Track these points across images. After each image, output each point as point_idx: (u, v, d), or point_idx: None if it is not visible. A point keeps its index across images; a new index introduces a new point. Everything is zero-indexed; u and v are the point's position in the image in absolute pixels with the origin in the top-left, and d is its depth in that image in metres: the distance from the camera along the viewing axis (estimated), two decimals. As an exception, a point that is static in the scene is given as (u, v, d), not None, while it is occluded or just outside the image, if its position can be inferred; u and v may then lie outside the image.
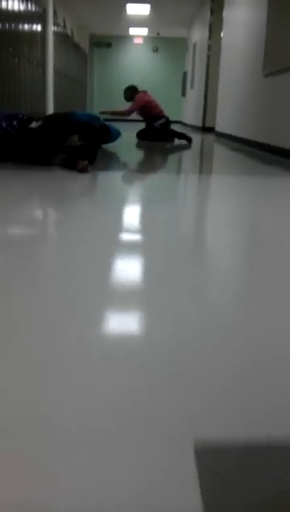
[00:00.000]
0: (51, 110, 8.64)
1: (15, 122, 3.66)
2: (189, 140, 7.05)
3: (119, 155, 4.72)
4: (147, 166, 4.08)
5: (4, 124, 3.61)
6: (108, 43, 17.13)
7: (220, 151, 5.83)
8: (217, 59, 9.60)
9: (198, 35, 11.97)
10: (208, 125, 10.41)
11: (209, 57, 10.30)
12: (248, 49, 6.24)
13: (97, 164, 3.63)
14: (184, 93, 14.89)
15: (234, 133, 7.05)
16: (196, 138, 9.25)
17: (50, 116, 3.83)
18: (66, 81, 10.78)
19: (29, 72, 7.26)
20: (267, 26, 5.19)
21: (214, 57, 9.95)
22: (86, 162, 3.21)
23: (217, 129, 8.60)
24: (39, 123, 3.64)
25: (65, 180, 2.89)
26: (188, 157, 5.01)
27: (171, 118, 16.41)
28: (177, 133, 7.29)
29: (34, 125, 3.64)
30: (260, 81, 5.47)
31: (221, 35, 8.75)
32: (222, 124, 8.20)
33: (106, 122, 5.40)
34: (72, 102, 12.37)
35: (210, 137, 8.66)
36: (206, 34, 10.41)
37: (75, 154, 3.47)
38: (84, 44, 14.91)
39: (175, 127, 15.26)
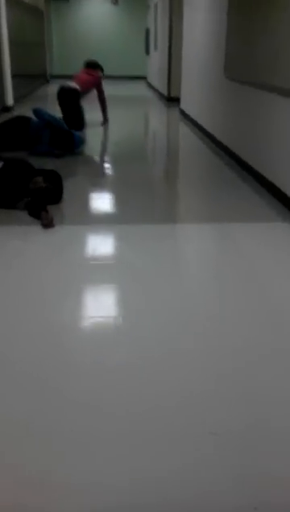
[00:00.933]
0: (9, 87, 8.34)
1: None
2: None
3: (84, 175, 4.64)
4: (121, 205, 3.99)
5: None
6: (65, -5, 16.32)
7: (189, 153, 5.82)
8: (179, 25, 9.25)
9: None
10: (173, 94, 10.21)
11: (171, 21, 9.97)
12: (210, 43, 6.11)
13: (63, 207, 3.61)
14: (147, 51, 14.44)
15: (198, 120, 6.98)
16: (161, 115, 9.13)
17: (13, 159, 3.75)
18: (24, 50, 10.36)
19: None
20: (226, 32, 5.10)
21: (177, 22, 9.63)
22: (51, 216, 3.22)
23: (182, 106, 8.46)
24: (1, 163, 3.60)
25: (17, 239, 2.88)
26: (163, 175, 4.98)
27: (136, 75, 16.19)
28: None
29: (-3, 164, 3.60)
30: (222, 82, 5.41)
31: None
32: (186, 104, 8.08)
33: (71, 130, 5.34)
34: (33, 68, 11.94)
35: (174, 114, 8.54)
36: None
37: (40, 197, 3.47)
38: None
39: (140, 84, 15.03)
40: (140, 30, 15.87)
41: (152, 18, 13.04)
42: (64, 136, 5.20)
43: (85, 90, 6.75)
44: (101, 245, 3.05)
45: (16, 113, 8.22)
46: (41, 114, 5.26)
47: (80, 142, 5.36)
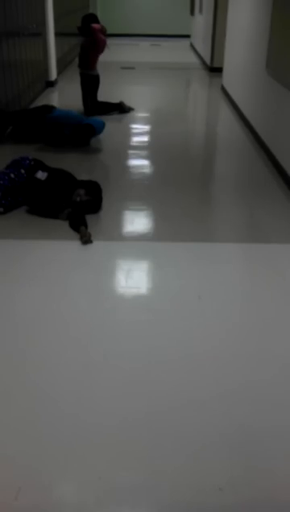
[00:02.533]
0: (53, 62, 8.42)
1: (23, 171, 3.86)
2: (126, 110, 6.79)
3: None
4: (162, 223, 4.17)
5: (12, 175, 3.82)
6: None
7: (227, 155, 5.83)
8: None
9: None
10: (216, 64, 10.06)
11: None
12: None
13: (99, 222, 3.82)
14: (192, 12, 14.07)
15: (240, 106, 6.95)
16: (203, 92, 9.05)
17: (57, 170, 3.96)
18: (69, 18, 10.32)
19: None
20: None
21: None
22: (89, 233, 3.44)
23: (224, 84, 8.37)
24: (45, 175, 3.82)
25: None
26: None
27: (180, 33, 15.82)
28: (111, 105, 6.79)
29: (40, 175, 3.84)
30: (265, 78, 5.40)
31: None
32: (228, 83, 8.00)
33: (89, 119, 5.50)
34: (75, 19, 11.85)
35: (216, 92, 8.48)
36: None
37: (80, 209, 3.71)
38: None
39: (182, 42, 14.71)
40: (186, -13, 15.41)
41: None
42: (83, 129, 5.35)
43: (87, 60, 6.46)
44: (135, 265, 3.26)
45: (58, 85, 8.40)
46: (53, 119, 5.40)
47: (101, 127, 5.48)
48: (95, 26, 6.30)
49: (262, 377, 2.29)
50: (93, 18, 6.49)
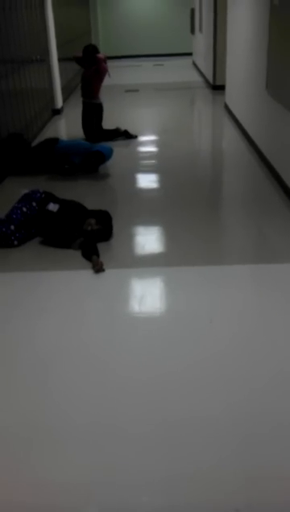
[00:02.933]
0: (58, 91, 8.62)
1: (34, 204, 3.99)
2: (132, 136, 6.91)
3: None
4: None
5: (24, 209, 3.94)
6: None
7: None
8: (224, 14, 9.11)
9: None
10: (218, 82, 10.21)
11: (216, 10, 9.87)
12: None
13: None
14: (192, 31, 14.30)
15: (243, 124, 7.06)
16: (206, 109, 9.19)
17: (68, 201, 4.09)
18: (71, 46, 10.54)
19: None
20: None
21: (221, 12, 9.52)
22: (101, 262, 3.54)
23: (227, 101, 8.51)
24: (56, 207, 3.94)
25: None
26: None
27: (181, 52, 16.06)
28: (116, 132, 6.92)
29: (51, 207, 3.96)
30: (265, 98, 5.50)
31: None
32: (231, 100, 8.13)
33: (97, 146, 5.63)
34: (77, 45, 12.09)
35: (219, 109, 8.61)
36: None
37: (92, 239, 3.81)
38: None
39: (185, 60, 14.92)
40: (186, 7, 15.67)
41: (197, 0, 12.89)
42: (93, 156, 5.50)
43: (91, 90, 6.62)
44: (147, 292, 3.35)
45: (64, 112, 8.58)
46: (62, 149, 5.54)
47: (109, 154, 5.62)
48: (100, 56, 6.49)
49: (275, 399, 2.36)
50: (96, 48, 6.68)
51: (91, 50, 6.60)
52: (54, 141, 5.72)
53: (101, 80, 6.64)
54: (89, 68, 6.57)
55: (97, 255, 3.63)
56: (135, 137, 6.97)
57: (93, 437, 2.19)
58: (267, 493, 1.93)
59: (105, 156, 5.53)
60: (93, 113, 6.71)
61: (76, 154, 5.50)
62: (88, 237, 3.84)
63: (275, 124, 5.16)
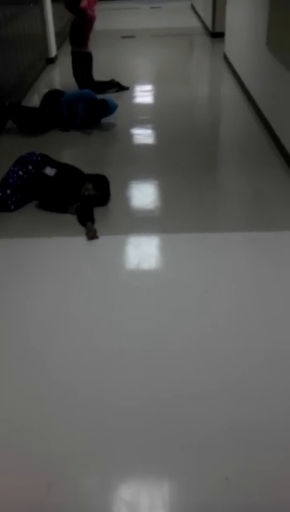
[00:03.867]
0: (52, 39, 8.33)
1: (30, 167, 3.95)
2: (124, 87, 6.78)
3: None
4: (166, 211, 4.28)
5: (21, 172, 3.91)
6: None
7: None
8: None
9: None
10: (218, 29, 9.87)
11: None
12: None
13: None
14: (191, -29, 13.67)
15: (242, 78, 6.89)
16: (204, 59, 8.93)
17: (65, 165, 4.04)
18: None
19: None
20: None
21: None
22: (94, 229, 3.56)
23: (226, 51, 8.26)
24: (53, 171, 3.91)
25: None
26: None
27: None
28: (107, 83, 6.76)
29: (48, 171, 3.92)
30: (264, 51, 5.36)
31: None
32: (230, 51, 7.90)
33: (104, 97, 5.53)
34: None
35: (218, 60, 8.37)
36: None
37: (88, 204, 3.81)
38: None
39: (183, 2, 14.35)
40: None
41: None
42: (98, 105, 5.43)
43: (79, 38, 6.39)
44: (142, 260, 3.38)
45: (58, 61, 8.33)
46: (67, 100, 5.43)
47: (114, 106, 5.57)
48: (82, 5, 6.18)
49: (268, 371, 2.44)
50: None
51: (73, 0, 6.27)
52: (58, 94, 5.58)
53: (88, 28, 6.36)
54: (76, 16, 6.31)
55: (92, 221, 3.64)
56: (127, 88, 6.81)
57: (85, 411, 2.27)
58: (260, 462, 2.04)
59: (109, 107, 5.45)
60: (81, 62, 6.50)
61: (81, 101, 5.41)
62: (84, 201, 3.83)
63: (274, 81, 5.05)
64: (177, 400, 2.31)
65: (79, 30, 6.32)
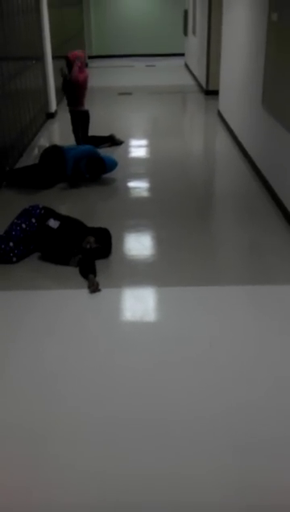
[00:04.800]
0: (52, 95, 8.60)
1: (34, 220, 4.00)
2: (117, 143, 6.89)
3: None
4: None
5: (24, 225, 3.96)
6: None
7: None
8: (219, 17, 9.13)
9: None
10: (211, 87, 10.24)
11: (210, 12, 9.86)
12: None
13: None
14: (185, 32, 14.30)
15: (237, 135, 7.11)
16: (199, 116, 9.22)
17: (68, 218, 4.10)
18: (65, 47, 10.51)
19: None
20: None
21: (216, 14, 9.52)
22: (97, 282, 3.58)
23: (221, 109, 8.54)
24: (57, 223, 3.96)
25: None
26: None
27: (174, 52, 16.07)
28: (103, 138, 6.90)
29: (52, 223, 3.97)
30: (260, 111, 5.55)
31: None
32: (225, 108, 8.17)
33: (103, 155, 5.66)
34: (72, 47, 12.03)
35: (212, 116, 8.65)
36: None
37: (90, 257, 3.84)
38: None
39: (177, 61, 14.96)
40: (179, 8, 15.68)
41: (191, 1, 12.89)
42: (97, 163, 5.56)
43: (74, 98, 6.49)
44: (145, 314, 3.38)
45: (58, 116, 8.56)
46: (73, 157, 5.54)
47: (113, 165, 5.69)
48: (73, 77, 6.29)
49: (275, 426, 2.41)
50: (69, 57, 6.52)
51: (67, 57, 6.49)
52: (58, 150, 5.67)
53: (82, 90, 6.53)
54: (70, 75, 6.48)
55: (94, 274, 3.66)
56: (121, 143, 6.96)
57: (85, 478, 2.22)
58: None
59: (106, 165, 5.56)
60: (77, 120, 6.66)
61: (85, 158, 5.56)
62: (86, 254, 3.87)
63: (270, 139, 5.21)
64: (182, 458, 2.27)
65: (73, 93, 6.51)
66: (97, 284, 3.56)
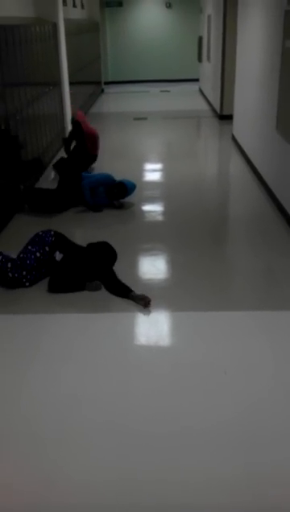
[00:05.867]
0: (66, 79, 8.70)
1: (47, 248, 4.00)
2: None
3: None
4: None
5: (38, 254, 3.97)
6: (119, 1, 16.56)
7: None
8: (233, 42, 9.25)
9: (211, 9, 11.54)
10: (226, 112, 10.33)
11: (224, 36, 9.99)
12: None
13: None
14: (200, 59, 14.50)
15: (252, 160, 7.13)
16: (213, 141, 9.28)
17: (74, 248, 4.13)
18: (82, 74, 10.72)
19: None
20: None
21: (231, 38, 9.64)
22: (144, 297, 3.64)
23: (235, 133, 8.60)
24: (60, 256, 3.97)
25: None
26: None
27: (188, 78, 16.29)
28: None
29: (58, 256, 3.98)
30: (274, 135, 5.57)
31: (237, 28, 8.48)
32: (239, 133, 8.23)
33: (121, 179, 5.70)
34: (88, 87, 12.27)
35: (227, 141, 8.70)
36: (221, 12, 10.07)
37: (105, 272, 3.93)
38: (95, 5, 14.51)
39: (191, 86, 15.17)
40: (193, 34, 15.94)
41: (205, 28, 13.09)
42: (117, 188, 5.61)
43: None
44: (159, 339, 3.36)
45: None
46: (88, 184, 5.60)
47: (132, 188, 5.74)
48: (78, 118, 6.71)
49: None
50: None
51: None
52: (77, 176, 5.74)
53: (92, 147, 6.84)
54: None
55: (130, 290, 3.71)
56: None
57: (101, 497, 2.19)
58: None
59: (127, 189, 5.61)
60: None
61: (101, 185, 5.60)
62: (97, 268, 3.91)
63: (285, 164, 5.22)
64: (196, 485, 2.22)
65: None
66: (146, 297, 3.61)
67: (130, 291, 3.71)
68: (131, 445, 2.46)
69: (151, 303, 3.64)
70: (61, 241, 4.08)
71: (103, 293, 3.83)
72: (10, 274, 3.82)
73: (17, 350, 3.21)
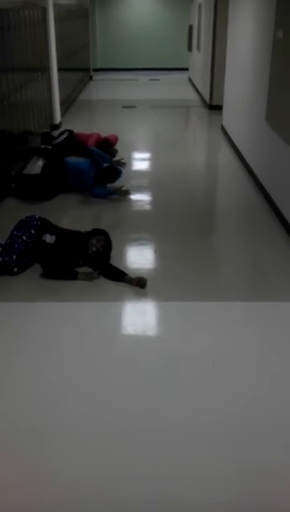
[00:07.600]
0: (57, 107, 8.64)
1: (33, 231, 3.98)
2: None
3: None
4: None
5: (25, 237, 3.94)
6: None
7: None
8: (224, 31, 9.18)
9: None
10: (215, 102, 10.31)
11: (215, 25, 9.95)
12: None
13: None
14: (190, 48, 14.42)
15: (241, 150, 7.13)
16: (202, 131, 9.26)
17: (63, 230, 4.11)
18: (70, 60, 10.61)
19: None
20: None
21: (221, 27, 9.58)
22: (140, 278, 3.71)
23: (224, 124, 8.59)
24: (53, 238, 3.94)
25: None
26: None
27: (177, 67, 16.20)
28: None
29: (48, 239, 3.95)
30: (264, 128, 5.57)
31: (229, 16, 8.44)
32: (228, 123, 8.21)
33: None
34: (77, 74, 12.13)
35: (216, 132, 8.69)
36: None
37: (103, 259, 3.96)
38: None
39: (180, 75, 15.11)
40: (183, 23, 15.84)
41: (195, 17, 13.01)
42: (107, 172, 5.59)
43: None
44: (147, 329, 3.37)
45: (63, 127, 8.59)
46: (73, 168, 5.61)
47: (121, 172, 5.74)
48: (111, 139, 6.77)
49: (278, 444, 2.39)
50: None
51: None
52: (60, 161, 5.70)
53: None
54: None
55: (124, 274, 3.75)
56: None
57: (86, 490, 2.19)
58: None
59: (118, 171, 5.58)
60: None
61: (90, 170, 5.59)
62: (96, 260, 3.89)
63: (274, 155, 5.23)
64: (185, 479, 2.24)
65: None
66: (142, 278, 3.68)
67: (125, 274, 3.74)
68: (118, 438, 2.46)
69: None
70: (48, 225, 4.06)
71: (91, 282, 3.81)
72: (1, 259, 3.79)
73: (0, 339, 3.18)
